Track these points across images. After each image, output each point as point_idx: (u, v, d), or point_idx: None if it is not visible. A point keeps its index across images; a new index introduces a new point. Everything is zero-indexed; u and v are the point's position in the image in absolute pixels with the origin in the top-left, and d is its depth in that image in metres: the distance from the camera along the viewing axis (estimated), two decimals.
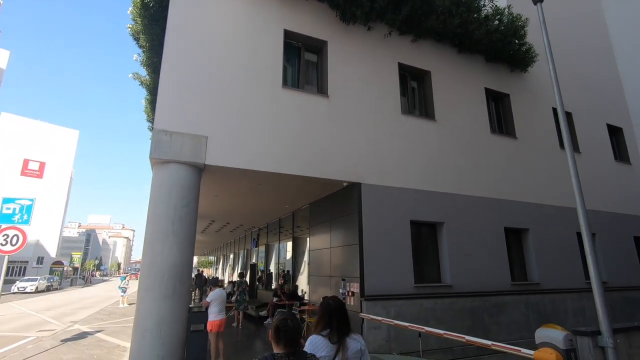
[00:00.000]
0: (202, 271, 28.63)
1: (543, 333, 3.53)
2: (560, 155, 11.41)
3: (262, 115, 7.29)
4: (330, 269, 8.88)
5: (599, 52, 14.50)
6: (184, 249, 6.22)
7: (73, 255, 45.23)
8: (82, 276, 48.32)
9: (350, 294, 7.63)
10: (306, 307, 9.32)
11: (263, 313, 11.36)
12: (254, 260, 19.03)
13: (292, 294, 11.19)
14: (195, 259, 67.55)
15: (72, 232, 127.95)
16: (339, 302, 2.43)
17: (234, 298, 10.92)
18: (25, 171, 70.61)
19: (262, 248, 17.31)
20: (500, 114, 11.16)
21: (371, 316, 6.25)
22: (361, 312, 7.17)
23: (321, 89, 8.40)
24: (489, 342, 3.62)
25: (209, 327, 6.29)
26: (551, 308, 9.41)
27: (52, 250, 70.39)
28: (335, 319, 2.33)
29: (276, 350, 2.02)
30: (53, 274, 36.91)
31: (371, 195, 7.99)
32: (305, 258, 12.07)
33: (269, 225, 15.55)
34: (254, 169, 7.00)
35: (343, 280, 7.17)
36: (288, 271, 13.13)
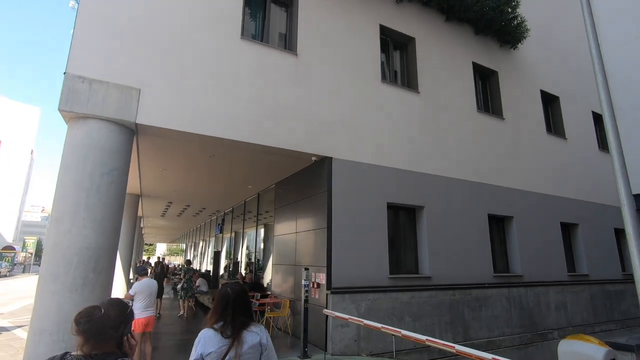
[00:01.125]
0: (164, 259, 26.94)
1: (571, 348, 2.54)
2: (547, 140, 10.71)
3: (213, 68, 5.96)
4: (296, 257, 7.77)
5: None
6: (105, 228, 4.90)
7: (26, 240, 42.06)
8: (38, 262, 45.24)
9: (315, 285, 6.55)
10: (267, 300, 8.19)
11: None
12: (220, 248, 17.68)
13: (255, 285, 10.02)
14: (164, 245, 64.95)
15: (35, 216, 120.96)
16: (238, 290, 2.13)
17: (179, 286, 10.16)
18: None
19: (230, 235, 15.99)
20: (487, 92, 10.28)
21: (336, 314, 5.19)
22: (327, 307, 6.11)
23: (289, 46, 7.14)
24: (489, 356, 2.64)
25: (132, 327, 5.03)
26: (534, 302, 8.72)
27: (8, 235, 65.84)
28: (231, 309, 2.06)
29: (76, 349, 1.49)
30: (2, 260, 34.01)
31: (343, 172, 6.88)
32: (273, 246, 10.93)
33: (234, 209, 14.25)
34: (201, 133, 5.70)
35: (306, 269, 6.08)
36: (258, 260, 11.95)
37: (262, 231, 11.66)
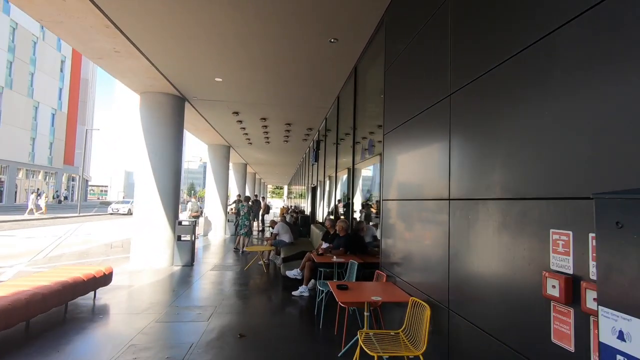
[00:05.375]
0: (260, 196, 25.91)
1: None
2: None
3: None
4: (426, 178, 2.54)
5: None
6: None
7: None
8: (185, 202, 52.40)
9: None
10: (364, 298, 3.34)
11: (293, 273, 5.83)
12: (334, 186, 13.51)
13: (353, 239, 5.33)
14: (286, 188, 67.04)
15: (194, 165, 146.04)
16: None
17: (235, 223, 10.33)
18: None
19: (349, 173, 11.47)
20: None
21: None
22: None
23: None
24: None
25: None
26: None
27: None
28: None
29: None
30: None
31: None
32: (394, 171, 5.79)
33: (327, 120, 9.46)
34: None
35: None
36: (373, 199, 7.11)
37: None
